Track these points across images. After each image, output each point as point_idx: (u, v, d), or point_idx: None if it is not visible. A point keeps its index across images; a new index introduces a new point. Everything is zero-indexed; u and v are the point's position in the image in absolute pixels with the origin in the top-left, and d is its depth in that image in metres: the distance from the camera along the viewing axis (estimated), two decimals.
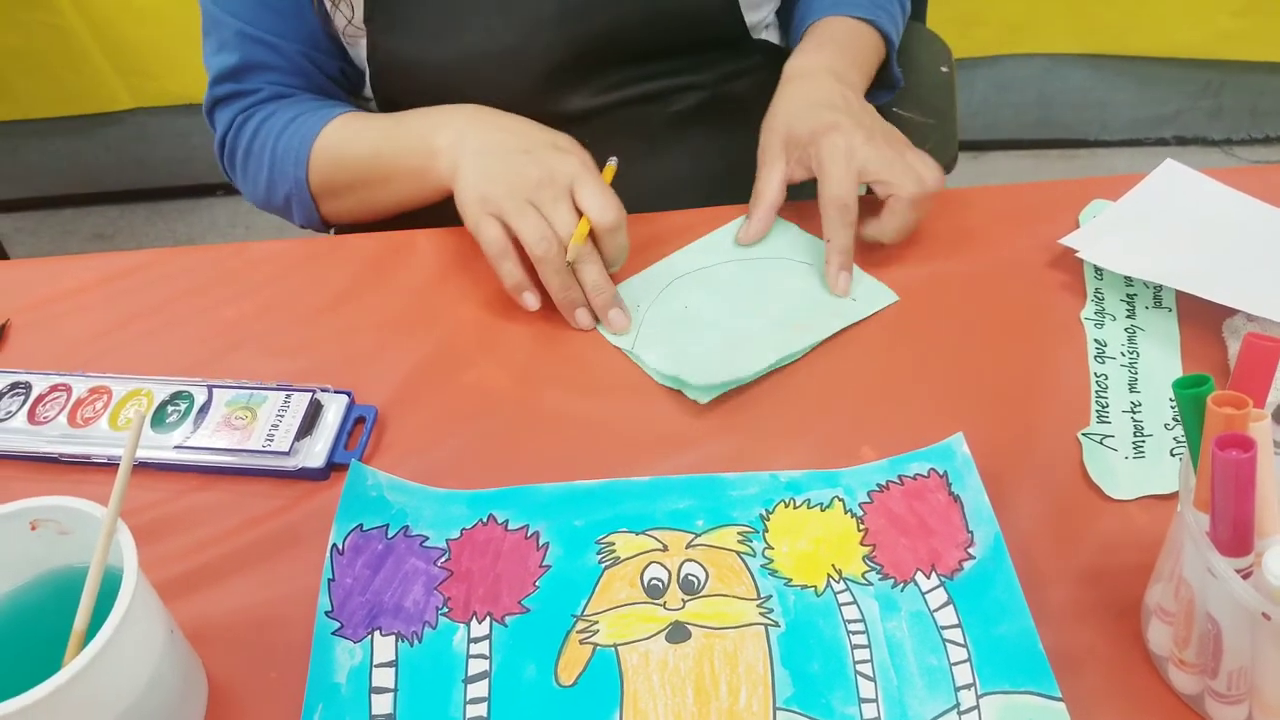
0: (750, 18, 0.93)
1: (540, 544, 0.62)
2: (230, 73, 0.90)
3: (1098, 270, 0.77)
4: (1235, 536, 0.47)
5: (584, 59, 0.88)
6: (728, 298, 0.77)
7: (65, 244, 2.26)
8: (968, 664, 0.55)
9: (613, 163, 0.80)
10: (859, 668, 0.55)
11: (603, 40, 0.88)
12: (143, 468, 0.67)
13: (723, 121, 0.96)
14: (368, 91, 0.94)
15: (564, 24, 0.86)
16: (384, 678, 0.56)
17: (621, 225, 0.74)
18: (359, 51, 0.90)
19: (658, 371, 0.71)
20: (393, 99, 0.91)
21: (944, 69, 1.14)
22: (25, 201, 2.33)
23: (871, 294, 0.77)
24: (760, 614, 0.58)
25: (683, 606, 0.58)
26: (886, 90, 0.97)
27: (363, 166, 0.84)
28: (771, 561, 0.60)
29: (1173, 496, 0.62)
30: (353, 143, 0.85)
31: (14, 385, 0.72)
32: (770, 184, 0.81)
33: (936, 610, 0.57)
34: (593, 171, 0.75)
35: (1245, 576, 0.47)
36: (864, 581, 0.59)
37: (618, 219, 0.73)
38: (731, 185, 0.86)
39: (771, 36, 1.00)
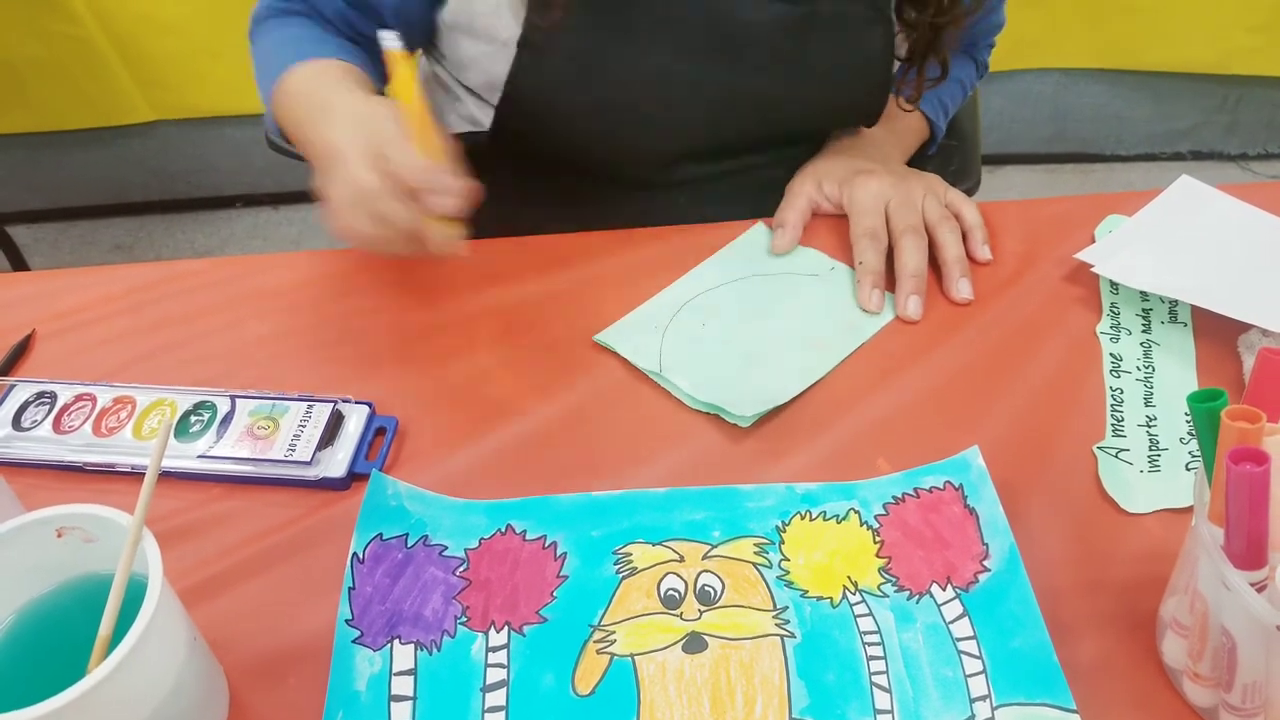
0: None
1: (558, 554, 0.62)
2: None
3: (1113, 285, 0.77)
4: (1250, 550, 0.47)
5: (717, 145, 0.90)
6: (744, 315, 0.77)
7: (85, 255, 2.28)
8: (983, 676, 0.55)
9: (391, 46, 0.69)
10: (874, 679, 0.56)
11: (744, 133, 0.89)
12: (166, 477, 0.68)
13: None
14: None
15: (712, 112, 0.87)
16: (403, 686, 0.57)
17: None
18: (485, 70, 0.88)
19: (692, 398, 0.71)
20: (515, 122, 0.89)
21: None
22: (45, 212, 2.34)
23: (885, 306, 0.78)
24: (776, 625, 0.58)
25: (699, 617, 0.59)
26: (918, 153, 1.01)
27: (291, 125, 0.80)
28: (787, 573, 0.61)
29: (1187, 510, 0.62)
30: (295, 101, 0.80)
31: (40, 395, 0.73)
32: (799, 197, 0.83)
33: (952, 622, 0.58)
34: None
35: (1260, 590, 0.47)
36: (879, 593, 0.60)
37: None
38: None
39: None
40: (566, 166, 0.91)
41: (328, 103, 0.73)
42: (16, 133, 2.17)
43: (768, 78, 0.85)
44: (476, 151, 0.96)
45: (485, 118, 0.92)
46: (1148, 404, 0.69)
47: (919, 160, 1.02)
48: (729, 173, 0.94)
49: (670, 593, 0.60)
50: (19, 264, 2.10)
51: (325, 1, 0.86)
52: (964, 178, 1.08)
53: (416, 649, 0.58)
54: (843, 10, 0.84)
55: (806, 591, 0.60)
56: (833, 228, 0.84)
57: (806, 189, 0.85)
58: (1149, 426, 0.68)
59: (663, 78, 0.84)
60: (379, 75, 0.85)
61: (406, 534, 0.63)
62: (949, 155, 1.09)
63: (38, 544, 0.53)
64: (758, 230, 0.85)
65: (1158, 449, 0.66)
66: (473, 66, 0.89)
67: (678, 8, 0.82)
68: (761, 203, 0.90)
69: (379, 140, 0.66)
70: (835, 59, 0.86)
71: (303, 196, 2.40)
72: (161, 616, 0.49)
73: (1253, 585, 0.47)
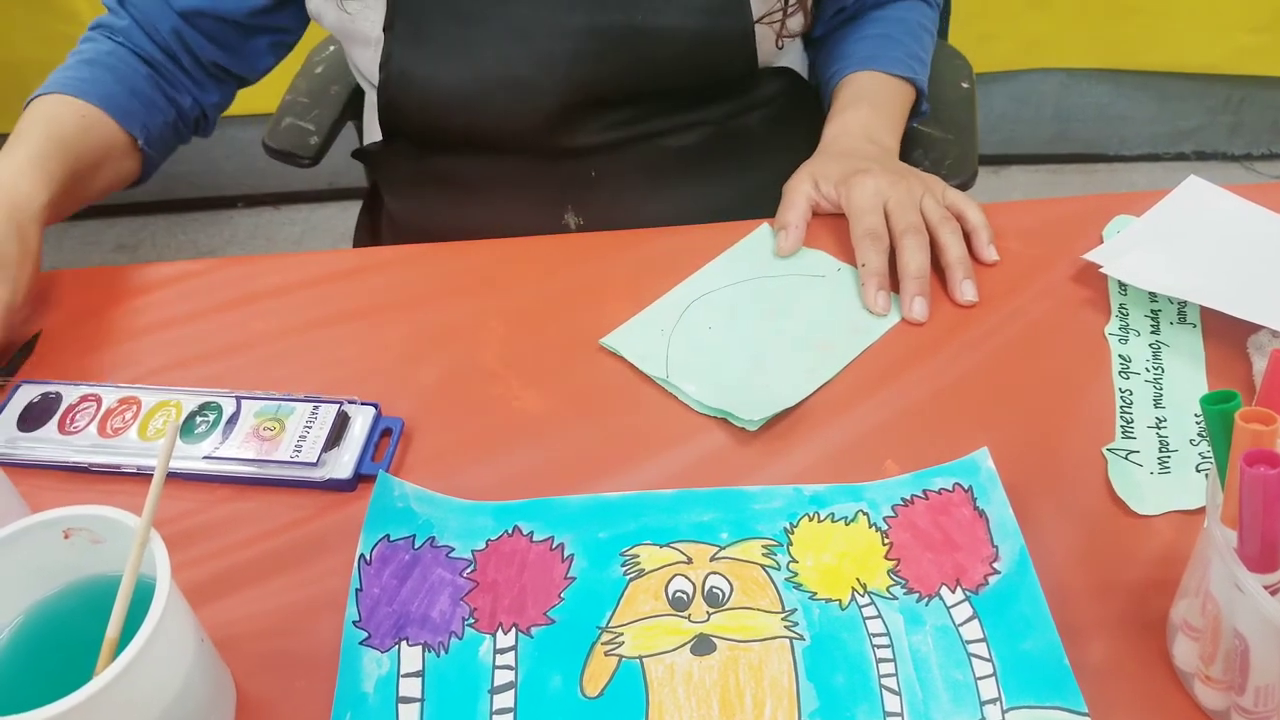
0: (765, 61, 0.94)
1: (565, 556, 0.62)
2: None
3: (1122, 286, 0.77)
4: (1263, 552, 0.47)
5: (595, 96, 0.89)
6: (750, 317, 0.77)
7: (88, 255, 2.28)
8: (993, 678, 0.55)
9: None
10: (884, 681, 0.55)
11: (615, 80, 0.89)
12: (171, 478, 0.67)
13: (732, 155, 0.98)
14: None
15: (578, 62, 0.87)
16: (411, 688, 0.56)
17: None
18: (360, 56, 0.91)
19: (700, 403, 0.71)
20: (398, 111, 0.91)
21: (964, 85, 1.15)
22: None
23: (891, 307, 0.77)
24: (785, 627, 0.58)
25: (707, 619, 0.58)
26: (911, 118, 0.98)
27: None
28: (796, 575, 0.61)
29: (1198, 512, 0.62)
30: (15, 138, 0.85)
31: (45, 395, 0.73)
32: (798, 196, 0.83)
33: (962, 625, 0.58)
34: None
35: (1273, 593, 0.47)
36: (889, 595, 0.59)
37: None
38: (743, 219, 0.87)
39: (792, 61, 1.00)
40: (466, 156, 0.93)
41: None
42: None
43: (624, 12, 0.86)
44: (380, 161, 0.99)
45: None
46: (1157, 405, 0.69)
47: (914, 146, 1.01)
48: (633, 140, 0.93)
49: (678, 594, 0.60)
50: None
51: (160, 18, 0.90)
52: (960, 171, 1.07)
53: (424, 650, 0.58)
54: None
55: (815, 593, 0.60)
56: (837, 229, 0.84)
57: (804, 188, 0.84)
58: (1159, 428, 0.67)
59: (524, 34, 0.86)
60: (157, 108, 0.92)
61: (414, 535, 0.63)
62: (944, 149, 1.08)
63: (45, 545, 0.53)
64: (763, 231, 0.84)
65: (1167, 450, 0.66)
66: (365, 70, 0.93)
67: None
68: (680, 174, 0.92)
69: None
70: None
71: (304, 197, 2.41)
72: (169, 618, 0.49)
73: (1266, 588, 0.47)
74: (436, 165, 0.97)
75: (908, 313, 0.76)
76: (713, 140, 0.96)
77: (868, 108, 0.92)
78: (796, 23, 0.93)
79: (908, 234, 0.78)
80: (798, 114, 1.01)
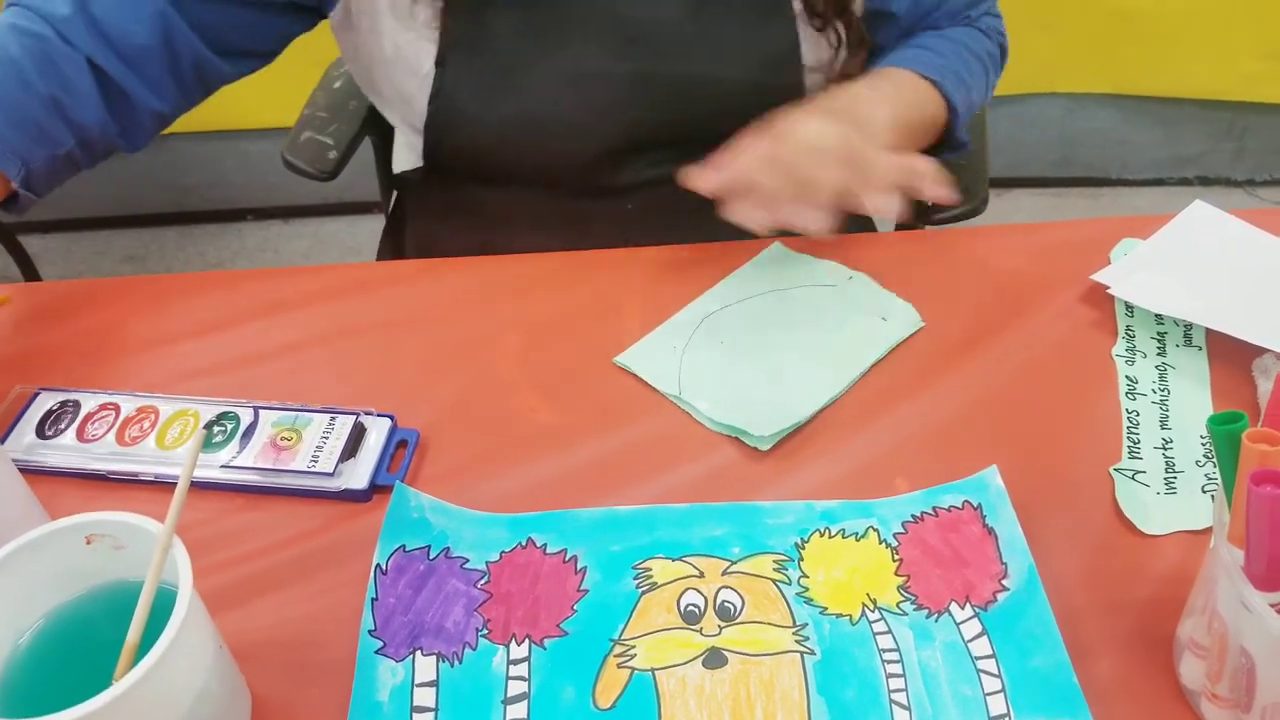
0: None
1: (578, 568, 0.63)
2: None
3: (1129, 308, 0.78)
4: (1270, 571, 0.47)
5: (642, 140, 0.90)
6: (762, 330, 0.78)
7: (97, 265, 2.29)
8: (1002, 694, 0.56)
9: None
10: (894, 696, 0.56)
11: (663, 126, 0.90)
12: (189, 486, 0.68)
13: None
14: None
15: (628, 108, 0.88)
16: (425, 697, 0.57)
17: None
18: (404, 84, 0.90)
19: (712, 420, 0.72)
20: (443, 144, 0.91)
21: None
22: (57, 223, 2.36)
23: (901, 317, 0.78)
24: (796, 641, 0.59)
25: (719, 633, 0.59)
26: (949, 151, 0.96)
27: None
28: (807, 590, 0.61)
29: (1204, 532, 0.63)
30: None
31: (63, 404, 0.74)
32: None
33: (971, 641, 0.58)
34: None
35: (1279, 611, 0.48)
36: (899, 611, 0.60)
37: None
38: None
39: None
40: (504, 188, 0.93)
41: None
42: None
43: (676, 62, 0.87)
44: (411, 186, 0.98)
45: (418, 151, 0.94)
46: (1163, 426, 0.70)
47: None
48: (672, 179, 0.90)
49: (690, 608, 0.60)
50: (30, 273, 2.11)
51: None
52: (970, 196, 1.06)
53: (438, 660, 0.58)
54: None
55: (826, 608, 0.60)
56: (845, 241, 0.85)
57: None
58: (1165, 449, 0.68)
59: (576, 77, 0.87)
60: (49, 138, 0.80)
61: (429, 546, 0.64)
62: (955, 172, 1.06)
63: (67, 550, 0.54)
64: (775, 249, 0.85)
65: (1174, 471, 0.67)
66: (399, 102, 0.91)
67: (580, 7, 0.85)
68: (709, 207, 0.91)
69: None
70: (742, 36, 0.87)
71: (313, 210, 2.42)
72: (190, 624, 0.50)
73: (1273, 606, 0.47)
74: (472, 195, 0.97)
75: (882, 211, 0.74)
76: None
77: (879, 81, 0.89)
78: (853, 67, 0.92)
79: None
80: None
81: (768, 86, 0.89)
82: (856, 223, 0.85)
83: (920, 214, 1.12)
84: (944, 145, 0.95)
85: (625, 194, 0.93)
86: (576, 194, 0.93)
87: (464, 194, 0.97)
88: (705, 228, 0.89)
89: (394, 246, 1.15)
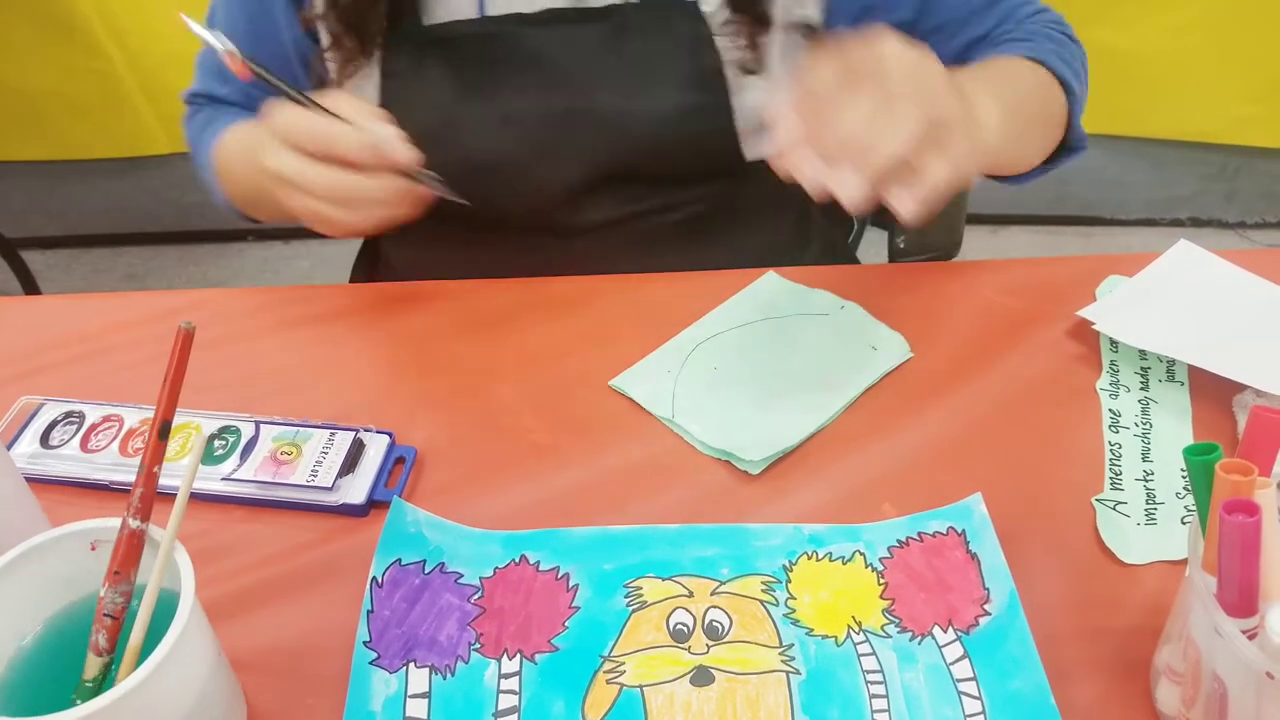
0: (750, 154, 0.91)
1: (570, 585, 0.64)
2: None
3: (1113, 343, 0.79)
4: (1241, 598, 0.49)
5: (592, 177, 0.90)
6: (753, 357, 0.80)
7: (97, 282, 2.31)
8: (982, 716, 0.57)
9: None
10: (877, 717, 0.57)
11: (609, 162, 0.90)
12: (190, 498, 0.69)
13: (723, 229, 0.98)
14: None
15: (569, 145, 0.89)
16: (417, 708, 0.58)
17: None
18: None
19: (704, 443, 0.73)
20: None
21: None
22: (59, 239, 2.37)
23: (891, 347, 0.80)
24: (782, 661, 0.60)
25: (707, 651, 0.60)
26: (1069, 151, 0.89)
27: (250, 189, 0.91)
28: (793, 611, 0.62)
29: (1182, 563, 0.64)
30: (234, 167, 0.92)
31: (68, 414, 0.75)
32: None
33: (953, 664, 0.59)
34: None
35: (1251, 637, 0.49)
36: (883, 634, 0.61)
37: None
38: None
39: None
40: (472, 228, 0.93)
41: (259, 141, 0.78)
42: (35, 160, 2.20)
43: (604, 96, 0.87)
44: None
45: None
46: (1145, 459, 0.71)
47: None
48: (630, 217, 0.94)
49: (679, 627, 0.62)
50: (31, 289, 2.13)
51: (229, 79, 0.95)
52: (949, 232, 1.06)
53: (431, 673, 0.60)
54: (658, 14, 0.87)
55: (812, 629, 0.61)
56: (842, 271, 0.87)
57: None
58: (1146, 481, 0.70)
59: (511, 120, 0.88)
60: None
61: (424, 560, 0.65)
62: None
63: (71, 556, 0.55)
64: (769, 279, 0.87)
65: (1154, 503, 0.68)
66: None
67: (506, 53, 0.87)
68: (677, 246, 0.94)
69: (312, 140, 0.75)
70: (664, 63, 0.87)
71: (313, 232, 2.44)
72: (191, 629, 0.51)
73: (1244, 632, 0.49)
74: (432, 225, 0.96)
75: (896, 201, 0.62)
76: (703, 216, 0.96)
77: (969, 68, 0.80)
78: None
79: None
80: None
81: (700, 108, 0.88)
82: (845, 257, 0.86)
83: (894, 254, 1.14)
84: (1064, 145, 0.88)
85: (580, 234, 0.94)
86: (532, 233, 0.94)
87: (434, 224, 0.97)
88: (667, 261, 0.90)
89: (367, 274, 1.15)
